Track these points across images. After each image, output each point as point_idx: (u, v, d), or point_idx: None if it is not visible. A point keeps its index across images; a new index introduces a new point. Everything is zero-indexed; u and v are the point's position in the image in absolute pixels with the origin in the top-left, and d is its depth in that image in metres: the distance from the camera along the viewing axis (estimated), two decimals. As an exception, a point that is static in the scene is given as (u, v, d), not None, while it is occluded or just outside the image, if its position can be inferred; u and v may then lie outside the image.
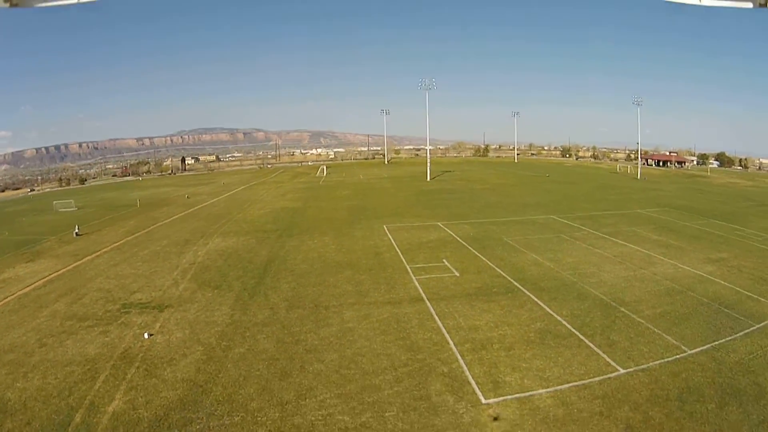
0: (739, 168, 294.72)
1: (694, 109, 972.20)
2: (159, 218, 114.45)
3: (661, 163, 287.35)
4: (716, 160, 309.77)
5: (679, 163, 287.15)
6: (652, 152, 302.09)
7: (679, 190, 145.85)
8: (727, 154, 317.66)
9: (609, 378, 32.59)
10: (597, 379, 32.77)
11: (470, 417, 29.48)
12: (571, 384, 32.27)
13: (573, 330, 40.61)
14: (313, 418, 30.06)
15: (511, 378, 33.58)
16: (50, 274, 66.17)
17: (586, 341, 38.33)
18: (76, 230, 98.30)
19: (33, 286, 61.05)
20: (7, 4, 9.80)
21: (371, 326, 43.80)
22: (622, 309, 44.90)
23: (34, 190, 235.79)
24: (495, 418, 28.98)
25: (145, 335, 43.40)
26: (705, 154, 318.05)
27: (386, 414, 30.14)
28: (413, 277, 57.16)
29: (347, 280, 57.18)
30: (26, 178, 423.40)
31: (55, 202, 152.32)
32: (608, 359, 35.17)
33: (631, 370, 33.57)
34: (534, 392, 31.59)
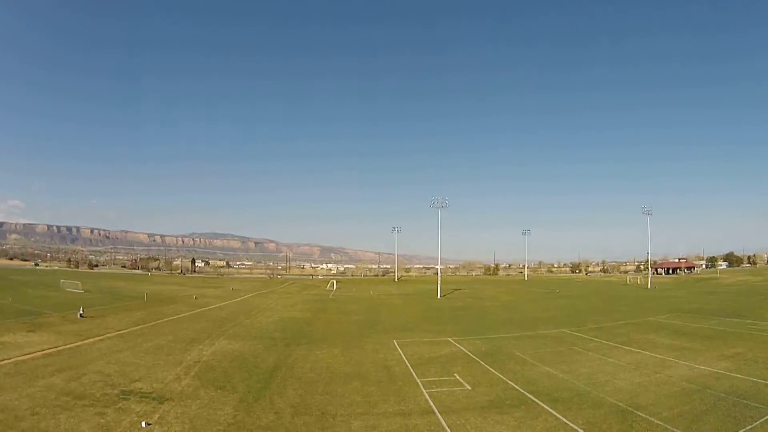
0: (747, 265, 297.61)
1: (700, 214, 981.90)
2: (166, 314, 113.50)
3: (670, 271, 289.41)
4: (725, 261, 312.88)
5: (689, 268, 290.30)
6: (660, 261, 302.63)
7: (689, 294, 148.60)
8: (735, 253, 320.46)
9: None
10: None
11: None
12: None
13: None
14: None
15: None
16: (50, 348, 65.32)
17: None
18: (81, 312, 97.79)
19: (31, 355, 60.17)
20: None
21: (380, 441, 40.78)
22: (639, 413, 43.49)
23: (38, 264, 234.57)
24: None
25: (143, 424, 41.28)
26: (714, 256, 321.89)
27: None
28: (423, 390, 55.12)
29: (356, 391, 55.05)
30: (36, 252, 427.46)
31: (62, 280, 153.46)
32: None
33: None
34: None
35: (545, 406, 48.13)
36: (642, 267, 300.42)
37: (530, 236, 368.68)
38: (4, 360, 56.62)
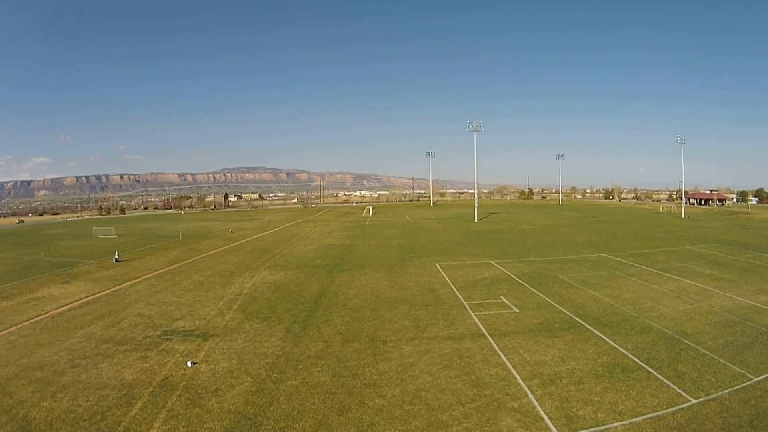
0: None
1: (732, 149, 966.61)
2: (202, 250, 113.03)
3: (703, 202, 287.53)
4: (755, 196, 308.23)
5: (720, 200, 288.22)
6: (692, 192, 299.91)
7: (723, 226, 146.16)
8: (765, 189, 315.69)
9: (681, 409, 31.27)
10: (670, 410, 31.08)
11: None
12: (645, 416, 30.35)
13: (640, 363, 38.94)
14: (375, 459, 25.97)
15: (584, 412, 31.17)
16: (87, 297, 64.25)
17: (655, 373, 36.86)
18: (116, 256, 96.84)
19: (68, 306, 59.04)
20: None
21: (433, 361, 40.52)
22: (686, 341, 43.72)
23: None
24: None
25: (189, 363, 40.14)
26: (744, 191, 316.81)
27: (456, 454, 26.21)
28: (471, 313, 54.20)
29: (403, 315, 54.03)
30: (65, 204, 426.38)
31: (94, 228, 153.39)
32: (678, 390, 33.92)
33: (701, 399, 32.39)
34: (609, 426, 29.42)
35: (594, 330, 47.68)
36: (674, 196, 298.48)
37: (564, 161, 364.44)
38: (39, 315, 55.40)
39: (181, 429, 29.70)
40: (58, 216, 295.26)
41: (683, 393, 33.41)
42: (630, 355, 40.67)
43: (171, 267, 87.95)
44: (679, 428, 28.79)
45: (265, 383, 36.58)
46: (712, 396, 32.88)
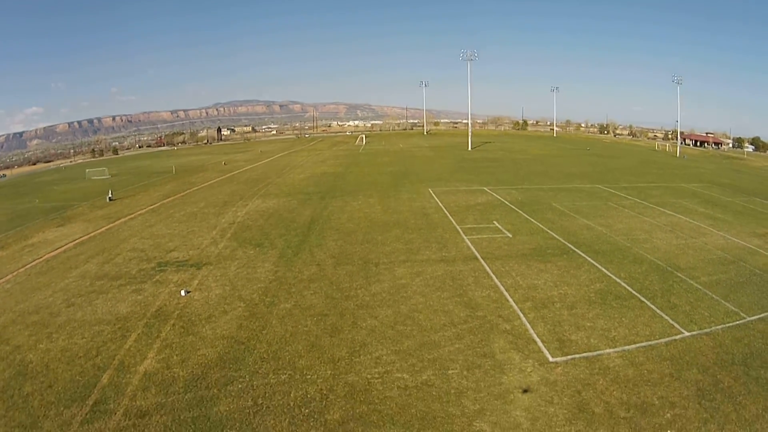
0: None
1: (731, 95, 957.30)
2: (195, 183, 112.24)
3: (698, 144, 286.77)
4: (751, 144, 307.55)
5: (716, 144, 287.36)
6: (688, 133, 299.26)
7: (719, 169, 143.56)
8: (762, 139, 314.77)
9: (675, 340, 31.51)
10: (663, 340, 31.51)
11: (538, 376, 27.07)
12: (638, 345, 30.73)
13: (633, 292, 39.14)
14: (369, 376, 27.13)
15: (577, 337, 31.56)
16: (81, 237, 63.52)
17: (648, 303, 37.03)
18: (110, 195, 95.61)
19: (62, 248, 58.34)
20: None
21: (425, 283, 40.85)
22: (679, 274, 43.54)
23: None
24: (525, 390, 26.21)
25: (182, 292, 40.37)
26: (740, 138, 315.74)
27: (449, 372, 27.43)
28: (464, 237, 54.53)
29: (396, 239, 54.30)
30: (58, 151, 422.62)
31: (87, 170, 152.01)
32: (671, 321, 34.06)
33: (695, 333, 32.52)
34: (602, 352, 29.79)
35: (587, 257, 48.01)
36: (670, 135, 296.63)
37: (558, 94, 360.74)
38: (35, 260, 54.68)
39: (175, 357, 29.95)
40: (51, 163, 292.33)
41: (676, 325, 33.64)
42: (623, 284, 40.97)
43: (164, 201, 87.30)
44: (672, 359, 29.05)
45: (258, 308, 36.91)
46: (705, 330, 33.04)
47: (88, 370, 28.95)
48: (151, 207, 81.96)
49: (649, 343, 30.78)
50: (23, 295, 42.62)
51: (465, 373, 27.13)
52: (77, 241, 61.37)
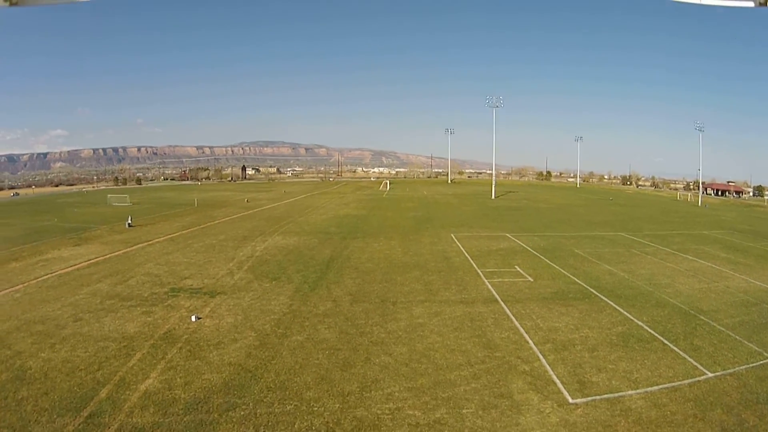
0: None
1: (750, 143, 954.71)
2: (217, 217, 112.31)
3: (719, 193, 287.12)
4: None
5: (737, 192, 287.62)
6: (709, 182, 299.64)
7: (740, 216, 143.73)
8: None
9: (698, 381, 30.20)
10: (686, 381, 30.04)
11: (558, 417, 25.54)
12: (661, 386, 29.28)
13: (656, 334, 37.98)
14: (378, 411, 25.62)
15: (598, 378, 30.12)
16: (96, 257, 63.30)
17: (671, 345, 35.84)
18: (129, 221, 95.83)
19: (76, 266, 58.11)
20: (7, 4, 9.40)
21: (443, 323, 39.53)
22: (701, 317, 42.57)
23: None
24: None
25: (193, 318, 39.46)
26: (761, 186, 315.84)
27: (463, 411, 25.85)
28: (485, 280, 53.31)
29: (416, 280, 53.13)
30: (81, 176, 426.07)
31: (109, 196, 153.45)
32: (695, 363, 32.86)
33: (719, 373, 31.26)
34: (624, 393, 28.29)
35: (609, 301, 46.72)
36: (691, 186, 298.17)
37: (581, 144, 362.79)
38: (47, 274, 54.48)
39: (178, 379, 28.89)
40: (73, 187, 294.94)
41: (699, 366, 32.40)
42: (645, 327, 39.72)
43: (183, 231, 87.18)
44: (696, 400, 27.81)
45: (269, 338, 35.81)
46: (729, 371, 31.84)
47: (87, 383, 28.19)
48: (170, 236, 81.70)
49: (672, 384, 29.62)
50: (31, 306, 42.51)
51: (480, 412, 25.69)
52: (92, 261, 61.20)
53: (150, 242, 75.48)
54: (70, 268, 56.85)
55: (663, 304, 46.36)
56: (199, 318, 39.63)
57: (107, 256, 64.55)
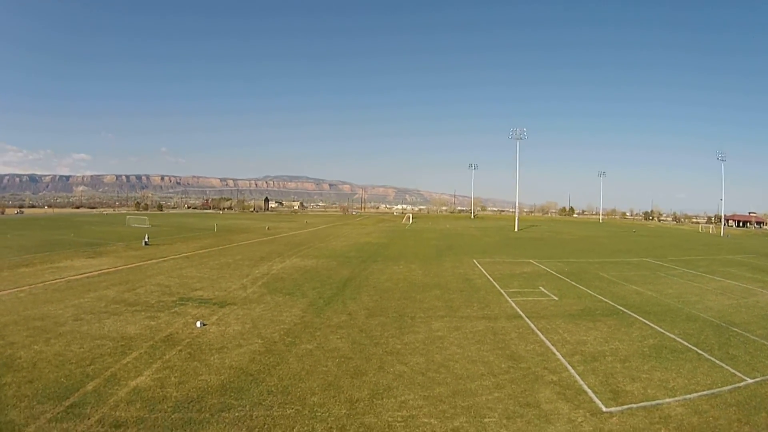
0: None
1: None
2: (236, 240, 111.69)
3: (741, 224, 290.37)
4: None
5: (759, 223, 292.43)
6: (730, 215, 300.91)
7: (762, 244, 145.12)
8: None
9: (738, 387, 28.45)
10: (726, 388, 28.26)
11: (591, 426, 23.25)
12: (699, 393, 27.35)
13: (689, 345, 36.40)
14: (390, 419, 23.25)
15: (632, 387, 27.94)
16: (108, 269, 62.42)
17: (705, 355, 34.26)
18: (146, 240, 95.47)
19: (86, 274, 57.22)
20: None
21: (464, 336, 37.36)
22: (734, 329, 41.24)
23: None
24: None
25: (198, 324, 37.60)
26: None
27: (485, 420, 23.46)
28: (508, 299, 51.41)
29: (436, 298, 51.14)
30: (103, 201, 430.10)
31: (128, 216, 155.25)
32: (732, 370, 31.16)
33: (758, 379, 29.63)
34: (661, 401, 26.22)
35: (638, 317, 44.94)
36: (713, 219, 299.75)
37: (605, 181, 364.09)
38: (55, 279, 53.83)
39: (173, 378, 26.96)
40: (94, 209, 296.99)
41: (738, 373, 30.67)
42: (678, 339, 38.07)
43: (200, 251, 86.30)
44: (738, 405, 25.91)
45: (276, 345, 33.77)
46: None
47: (75, 376, 26.64)
48: (186, 254, 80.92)
49: (712, 391, 27.67)
50: (33, 304, 41.98)
51: (504, 422, 23.34)
52: (103, 271, 60.53)
53: (165, 258, 74.53)
54: (79, 276, 56.11)
55: (694, 318, 45.17)
56: (204, 324, 37.84)
57: (119, 268, 63.68)
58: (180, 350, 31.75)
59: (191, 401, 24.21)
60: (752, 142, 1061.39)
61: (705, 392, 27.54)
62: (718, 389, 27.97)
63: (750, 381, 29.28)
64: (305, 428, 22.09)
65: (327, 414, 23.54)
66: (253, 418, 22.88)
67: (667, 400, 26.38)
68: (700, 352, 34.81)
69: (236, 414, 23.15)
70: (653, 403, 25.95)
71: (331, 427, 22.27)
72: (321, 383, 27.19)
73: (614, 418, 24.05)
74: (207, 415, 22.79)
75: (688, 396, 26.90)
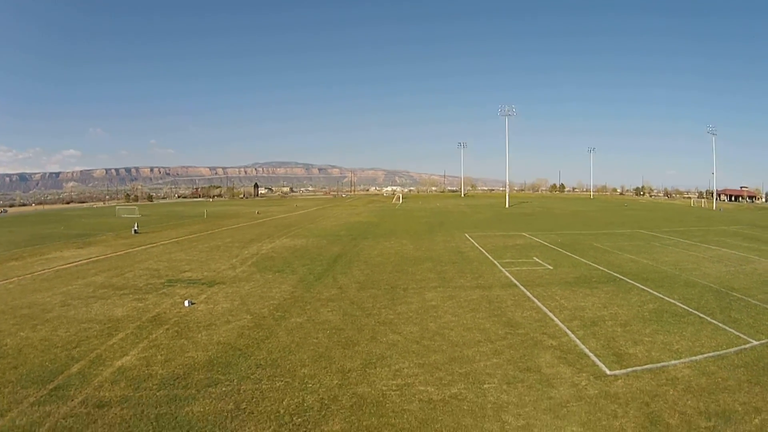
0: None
1: (763, 150, 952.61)
2: (225, 225, 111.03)
3: (733, 198, 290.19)
4: None
5: (751, 197, 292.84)
6: (721, 189, 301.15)
7: (756, 217, 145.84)
8: None
9: (744, 349, 28.01)
10: (732, 350, 27.88)
11: (596, 389, 22.60)
12: (705, 355, 26.89)
13: (690, 310, 35.95)
14: (384, 388, 22.58)
15: (635, 350, 27.43)
16: (97, 257, 61.80)
17: (708, 318, 33.81)
18: (135, 228, 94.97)
19: (75, 263, 56.66)
20: None
21: (458, 305, 36.78)
22: (735, 294, 40.79)
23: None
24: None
25: (186, 303, 36.98)
26: None
27: (485, 386, 22.80)
28: (502, 269, 50.96)
29: (428, 270, 50.70)
30: (93, 195, 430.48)
31: (117, 207, 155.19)
32: (737, 333, 30.74)
33: (764, 341, 29.23)
34: (666, 363, 25.71)
35: (636, 283, 44.55)
36: (704, 194, 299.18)
37: (595, 159, 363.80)
38: (44, 270, 53.31)
39: (159, 357, 26.35)
40: (84, 204, 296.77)
41: (743, 335, 30.12)
42: (678, 303, 37.49)
43: (190, 236, 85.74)
44: (746, 366, 25.39)
45: (266, 320, 33.15)
46: None
47: (60, 359, 26.05)
48: (176, 240, 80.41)
49: (717, 353, 27.18)
50: (22, 294, 41.32)
51: (504, 387, 22.77)
52: (92, 259, 59.92)
53: (154, 245, 73.87)
54: (68, 265, 55.52)
55: (692, 284, 44.59)
56: (192, 303, 37.25)
57: (108, 255, 63.13)
58: (167, 329, 31.13)
59: (177, 378, 23.61)
60: (742, 118, 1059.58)
61: (711, 354, 27.11)
62: (724, 351, 27.58)
63: (756, 343, 28.93)
64: (295, 400, 21.42)
65: (318, 385, 22.88)
66: (241, 392, 22.26)
67: (673, 362, 25.93)
68: (702, 315, 34.39)
69: (223, 389, 22.53)
70: (658, 365, 25.49)
71: (322, 398, 21.61)
72: (311, 355, 26.60)
73: (619, 381, 23.52)
74: (193, 391, 22.17)
75: (694, 358, 26.49)
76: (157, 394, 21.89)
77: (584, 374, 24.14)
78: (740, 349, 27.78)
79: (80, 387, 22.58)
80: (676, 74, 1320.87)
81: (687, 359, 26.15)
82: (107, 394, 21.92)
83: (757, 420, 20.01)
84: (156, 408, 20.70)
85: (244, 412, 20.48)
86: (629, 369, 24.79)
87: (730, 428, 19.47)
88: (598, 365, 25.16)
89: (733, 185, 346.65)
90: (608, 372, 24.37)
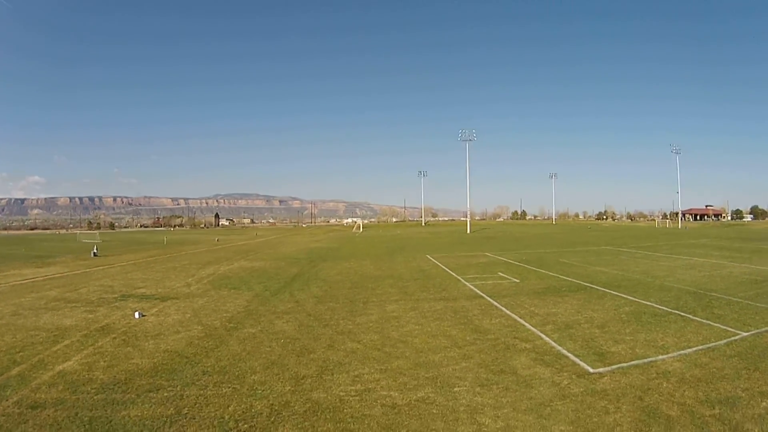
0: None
1: (725, 171, 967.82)
2: (185, 250, 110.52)
3: (698, 217, 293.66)
4: (750, 213, 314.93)
5: (717, 215, 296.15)
6: (687, 209, 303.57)
7: (723, 232, 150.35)
8: (760, 206, 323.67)
9: (734, 340, 27.73)
10: (722, 342, 27.51)
11: (581, 387, 21.55)
12: (694, 348, 26.41)
13: (669, 310, 35.46)
14: (342, 393, 21.38)
15: (617, 349, 26.64)
16: (54, 275, 61.83)
17: (690, 316, 33.37)
18: (95, 251, 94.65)
19: (32, 279, 57.02)
20: None
21: (421, 314, 35.78)
22: (714, 294, 40.81)
23: (59, 233, 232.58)
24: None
25: (136, 315, 35.92)
26: (739, 209, 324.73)
27: (455, 389, 21.64)
28: (467, 283, 49.99)
29: (389, 285, 49.76)
30: (58, 223, 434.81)
31: (78, 233, 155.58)
32: (723, 327, 30.51)
33: (753, 332, 29.12)
34: (654, 358, 25.03)
35: (608, 290, 44.03)
36: (668, 215, 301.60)
37: (556, 186, 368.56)
38: (0, 285, 53.37)
39: (102, 363, 25.32)
40: (47, 230, 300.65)
41: (730, 329, 29.93)
42: (656, 305, 37.13)
43: (148, 259, 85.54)
44: (740, 355, 25.18)
45: (217, 331, 32.00)
46: (763, 330, 29.68)
47: (1, 362, 25.59)
48: (134, 262, 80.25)
49: (707, 345, 26.71)
50: None
51: (478, 389, 21.69)
52: (49, 276, 60.22)
53: (112, 266, 73.58)
54: (25, 281, 55.97)
55: (667, 288, 44.41)
56: (143, 315, 36.20)
57: (65, 274, 63.23)
58: (114, 338, 30.13)
59: (118, 383, 22.64)
60: (705, 137, 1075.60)
61: (700, 347, 26.71)
62: (713, 344, 27.21)
63: (745, 334, 28.75)
64: (242, 406, 20.34)
65: (269, 391, 21.80)
66: (184, 397, 21.22)
67: (661, 357, 25.38)
68: (683, 314, 34.08)
69: (165, 394, 21.49)
70: (645, 360, 24.92)
71: (272, 404, 20.51)
72: (263, 362, 25.52)
73: (605, 378, 22.76)
74: (133, 396, 21.22)
75: (682, 352, 26.06)
76: (95, 397, 20.99)
77: (565, 374, 23.35)
78: (730, 341, 27.51)
79: (17, 388, 21.84)
80: (636, 99, 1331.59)
81: (675, 353, 25.69)
82: (43, 396, 21.08)
83: (765, 403, 19.63)
84: (91, 411, 19.78)
85: (185, 417, 19.42)
86: (614, 366, 24.15)
87: (737, 413, 18.90)
88: (579, 364, 24.42)
89: (699, 204, 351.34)
90: (591, 370, 23.65)
